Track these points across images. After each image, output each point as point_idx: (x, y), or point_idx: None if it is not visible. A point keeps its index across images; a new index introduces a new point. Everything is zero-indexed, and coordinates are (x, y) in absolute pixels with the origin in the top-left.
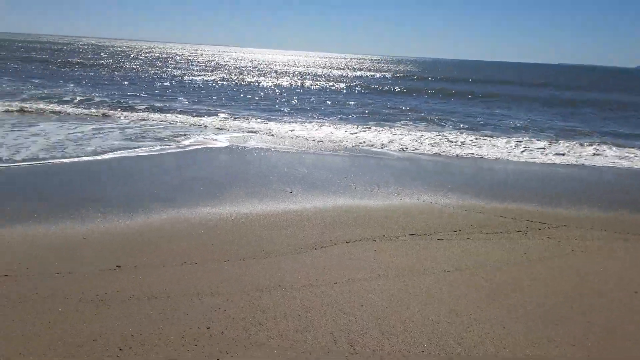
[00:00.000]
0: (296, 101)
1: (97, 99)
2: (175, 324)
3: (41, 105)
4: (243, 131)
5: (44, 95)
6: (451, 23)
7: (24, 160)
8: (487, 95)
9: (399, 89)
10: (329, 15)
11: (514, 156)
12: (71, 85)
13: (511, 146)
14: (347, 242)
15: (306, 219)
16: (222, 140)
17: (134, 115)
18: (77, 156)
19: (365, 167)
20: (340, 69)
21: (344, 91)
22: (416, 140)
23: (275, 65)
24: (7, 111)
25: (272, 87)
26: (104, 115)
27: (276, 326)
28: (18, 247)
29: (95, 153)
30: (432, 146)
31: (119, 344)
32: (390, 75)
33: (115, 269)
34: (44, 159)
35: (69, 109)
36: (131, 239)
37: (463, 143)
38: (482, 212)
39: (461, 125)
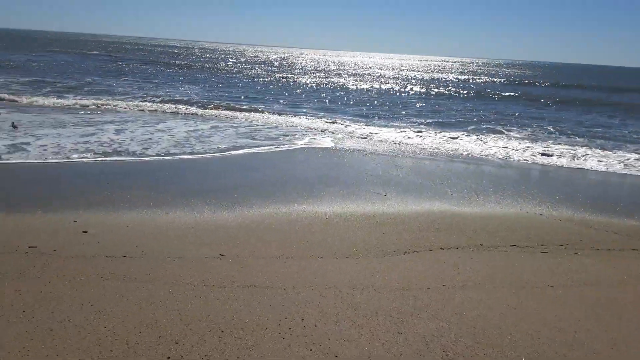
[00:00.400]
0: (397, 105)
1: (215, 100)
2: (271, 312)
3: (165, 105)
4: (342, 133)
5: (163, 95)
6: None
7: (157, 154)
8: (605, 104)
9: (507, 94)
10: (428, 17)
11: (635, 169)
12: (186, 86)
13: (627, 159)
14: (441, 249)
15: (400, 223)
16: (322, 142)
17: (245, 115)
18: (196, 153)
19: (463, 173)
20: (442, 71)
21: (446, 95)
22: (519, 149)
23: (376, 68)
24: (140, 109)
25: (372, 90)
26: (219, 115)
27: (367, 324)
28: (135, 232)
29: (212, 150)
30: (537, 155)
31: (220, 326)
32: (499, 80)
33: (219, 257)
34: (171, 154)
35: (190, 108)
36: (234, 231)
37: (573, 154)
38: (592, 227)
39: (571, 134)
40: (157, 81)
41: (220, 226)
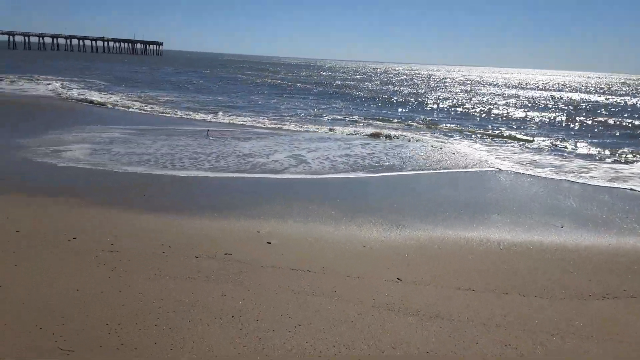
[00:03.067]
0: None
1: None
2: (466, 348)
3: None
4: (513, 161)
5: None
6: None
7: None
8: None
9: None
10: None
11: None
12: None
13: None
14: None
15: (586, 260)
16: (496, 165)
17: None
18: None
19: None
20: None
21: None
22: None
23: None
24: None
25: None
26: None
27: None
28: (314, 246)
29: (387, 169)
30: None
31: (414, 358)
32: None
33: (397, 281)
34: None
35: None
36: (405, 253)
37: None
38: None
39: None
40: (345, 104)
41: (390, 247)
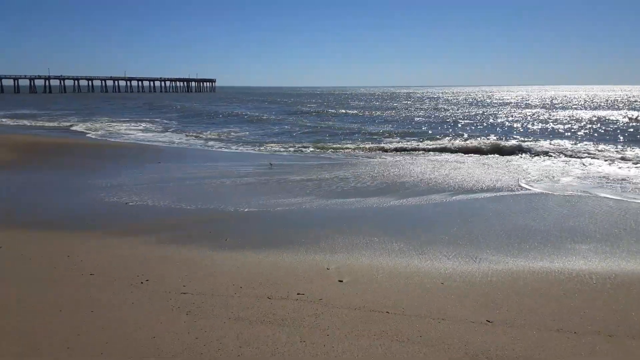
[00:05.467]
0: None
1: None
2: None
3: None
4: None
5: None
6: None
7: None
8: None
9: None
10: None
11: None
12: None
13: None
14: None
15: None
16: (534, 186)
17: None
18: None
19: None
20: None
21: None
22: None
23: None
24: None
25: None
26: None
27: None
28: (387, 284)
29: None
30: None
31: None
32: None
33: (486, 323)
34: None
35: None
36: (491, 290)
37: None
38: None
39: None
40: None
41: (470, 283)
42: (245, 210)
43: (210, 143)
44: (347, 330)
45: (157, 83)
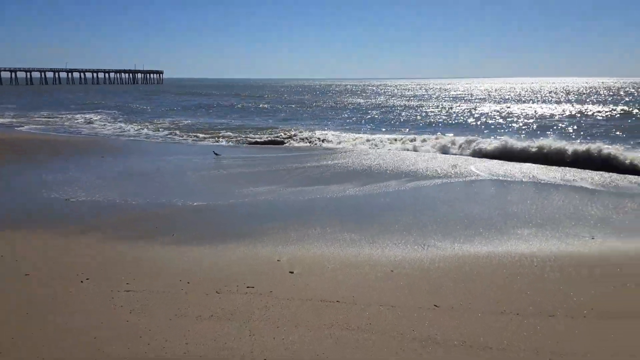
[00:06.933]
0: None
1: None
2: None
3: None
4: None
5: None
6: None
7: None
8: None
9: None
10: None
11: None
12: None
13: None
14: None
15: (630, 275)
16: (482, 172)
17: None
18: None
19: None
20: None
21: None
22: None
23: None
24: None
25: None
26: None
27: None
28: (338, 274)
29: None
30: None
31: None
32: None
33: (434, 308)
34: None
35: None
36: (436, 276)
37: None
38: None
39: None
40: None
41: (419, 269)
42: (194, 204)
43: (157, 134)
44: (297, 322)
45: (101, 75)
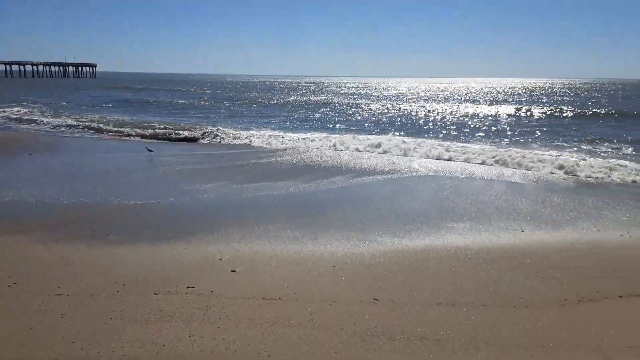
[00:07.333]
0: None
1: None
2: None
3: None
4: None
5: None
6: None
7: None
8: None
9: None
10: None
11: None
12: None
13: None
14: (620, 297)
15: (556, 265)
16: (421, 169)
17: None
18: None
19: (617, 199)
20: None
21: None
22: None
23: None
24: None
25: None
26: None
27: None
28: (280, 271)
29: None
30: None
31: None
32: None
33: (374, 302)
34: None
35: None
36: (376, 270)
37: None
38: None
39: None
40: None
41: (361, 264)
42: (131, 202)
43: (87, 129)
44: (239, 320)
45: (29, 67)
